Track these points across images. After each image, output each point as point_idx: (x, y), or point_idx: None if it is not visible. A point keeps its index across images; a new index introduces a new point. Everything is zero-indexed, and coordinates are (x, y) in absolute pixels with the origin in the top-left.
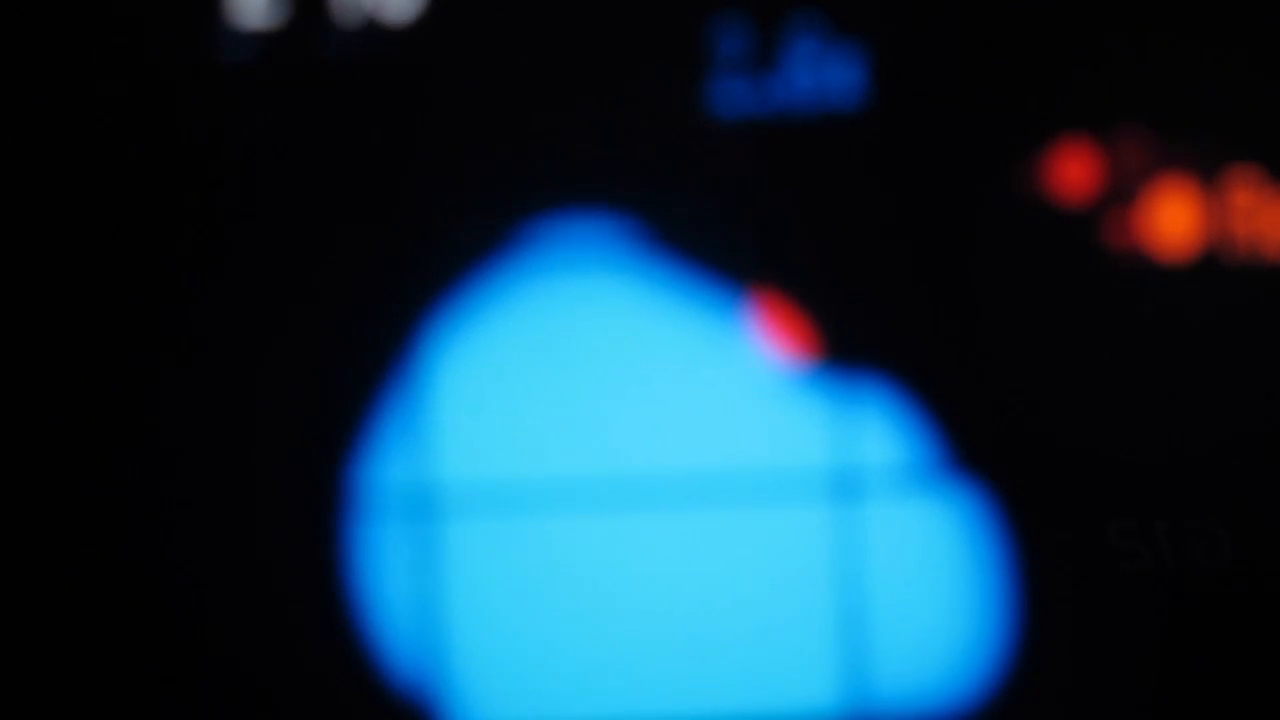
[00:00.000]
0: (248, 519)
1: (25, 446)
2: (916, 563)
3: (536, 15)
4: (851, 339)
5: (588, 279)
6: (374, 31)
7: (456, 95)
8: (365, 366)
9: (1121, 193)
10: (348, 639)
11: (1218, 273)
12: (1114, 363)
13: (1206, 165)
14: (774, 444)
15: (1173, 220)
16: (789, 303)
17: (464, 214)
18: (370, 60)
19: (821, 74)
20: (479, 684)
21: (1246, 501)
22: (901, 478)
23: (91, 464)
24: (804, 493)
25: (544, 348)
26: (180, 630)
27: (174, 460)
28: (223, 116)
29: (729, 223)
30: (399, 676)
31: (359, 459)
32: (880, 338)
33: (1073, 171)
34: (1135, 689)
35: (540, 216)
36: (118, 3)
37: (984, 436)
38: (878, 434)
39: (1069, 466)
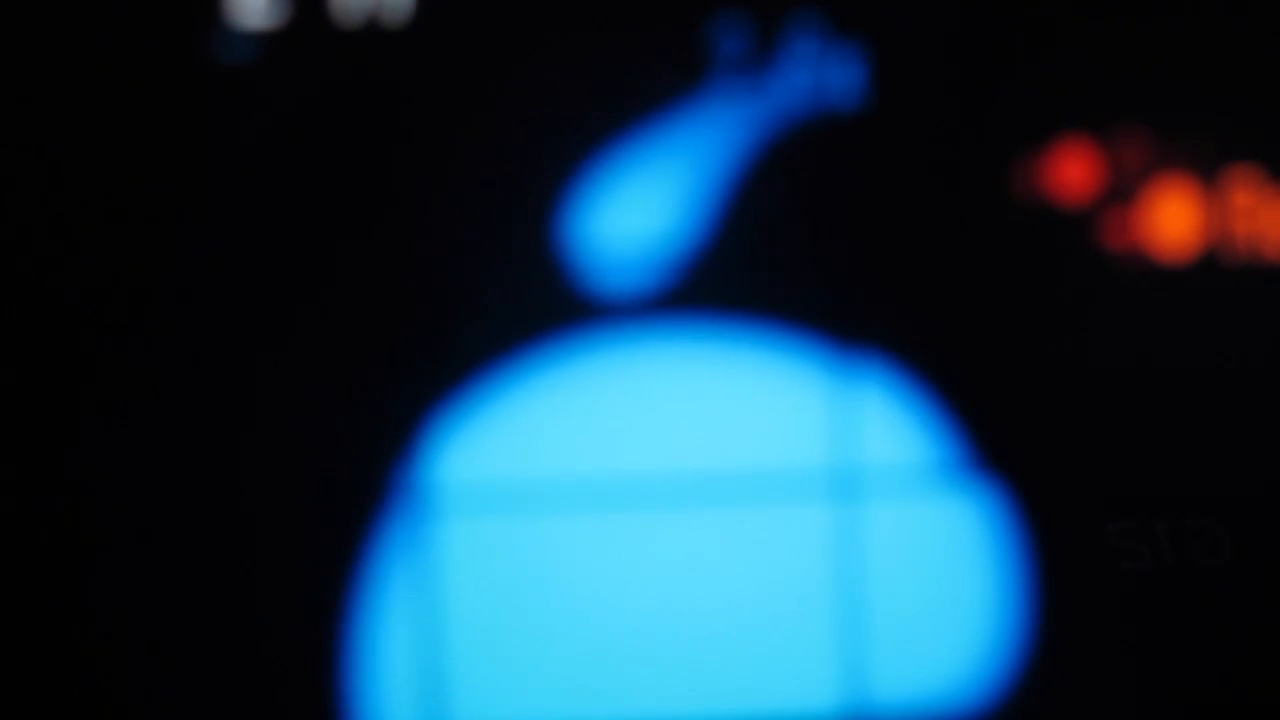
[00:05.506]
0: (246, 519)
1: (8, 450)
2: (917, 562)
3: (536, 16)
4: (850, 339)
5: (588, 280)
6: (374, 33)
7: (456, 95)
8: (366, 363)
9: (1121, 193)
10: (346, 639)
11: (1218, 273)
12: (1113, 362)
13: (1206, 165)
14: (774, 443)
15: (1173, 220)
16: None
17: (463, 212)
18: (370, 61)
19: (821, 74)
20: (478, 683)
21: (1246, 501)
22: (902, 477)
23: (80, 463)
24: (804, 493)
25: (543, 347)
26: (173, 624)
27: (170, 459)
28: (222, 116)
29: (729, 225)
30: (394, 678)
31: (359, 459)
32: (879, 338)
33: (1073, 171)
34: (1138, 690)
35: (541, 210)
36: (117, 3)
37: (981, 435)
38: (878, 433)
39: (1067, 466)
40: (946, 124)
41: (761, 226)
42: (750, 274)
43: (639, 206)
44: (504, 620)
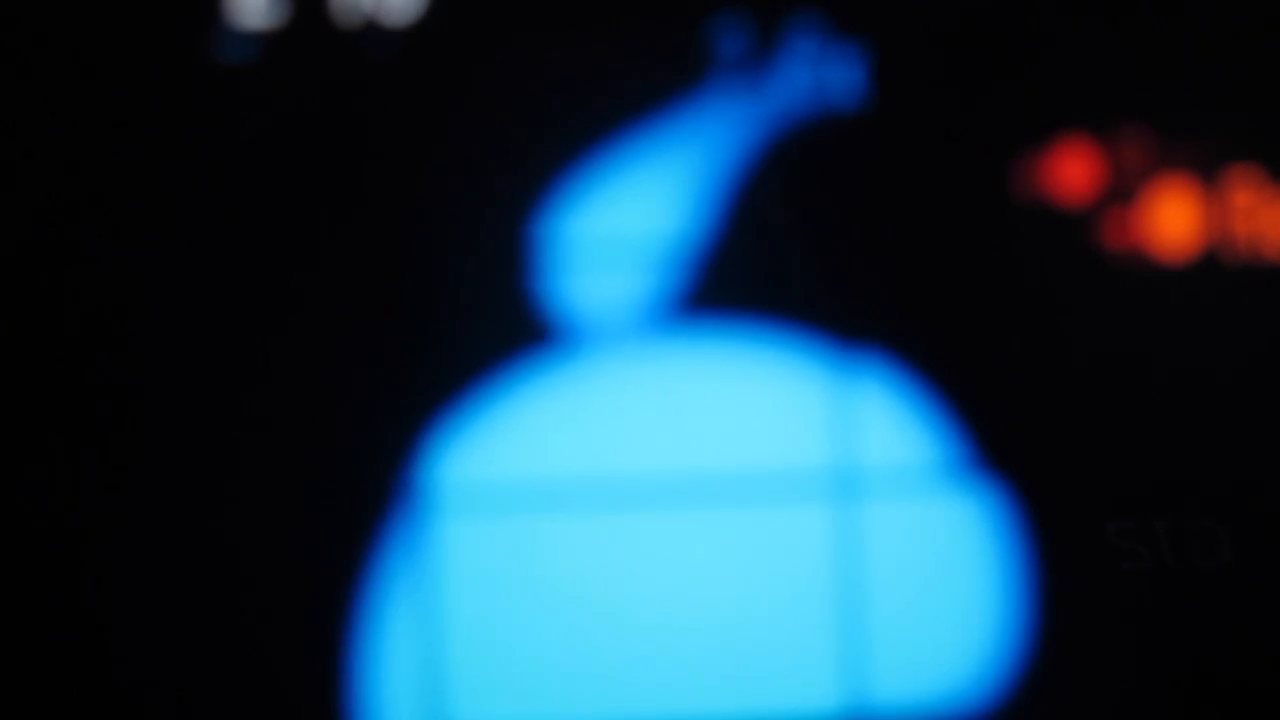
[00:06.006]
0: (249, 521)
1: None
2: (917, 562)
3: (536, 16)
4: (849, 339)
5: (586, 278)
6: (374, 32)
7: (456, 96)
8: (367, 366)
9: (1121, 193)
10: (347, 639)
11: (1218, 273)
12: (1113, 362)
13: (1206, 165)
14: (776, 443)
15: (1173, 220)
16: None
17: (464, 210)
18: (370, 61)
19: (821, 74)
20: (478, 683)
21: (1246, 501)
22: (903, 477)
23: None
24: (806, 493)
25: (542, 348)
26: (177, 624)
27: (175, 462)
28: (223, 116)
29: (730, 225)
30: (396, 676)
31: (360, 460)
32: (879, 338)
33: (1073, 171)
34: (1139, 690)
35: (542, 211)
36: (118, 3)
37: (981, 435)
38: (879, 433)
39: (1067, 466)
40: (946, 124)
41: (762, 226)
42: (751, 274)
43: (640, 207)
44: (504, 620)
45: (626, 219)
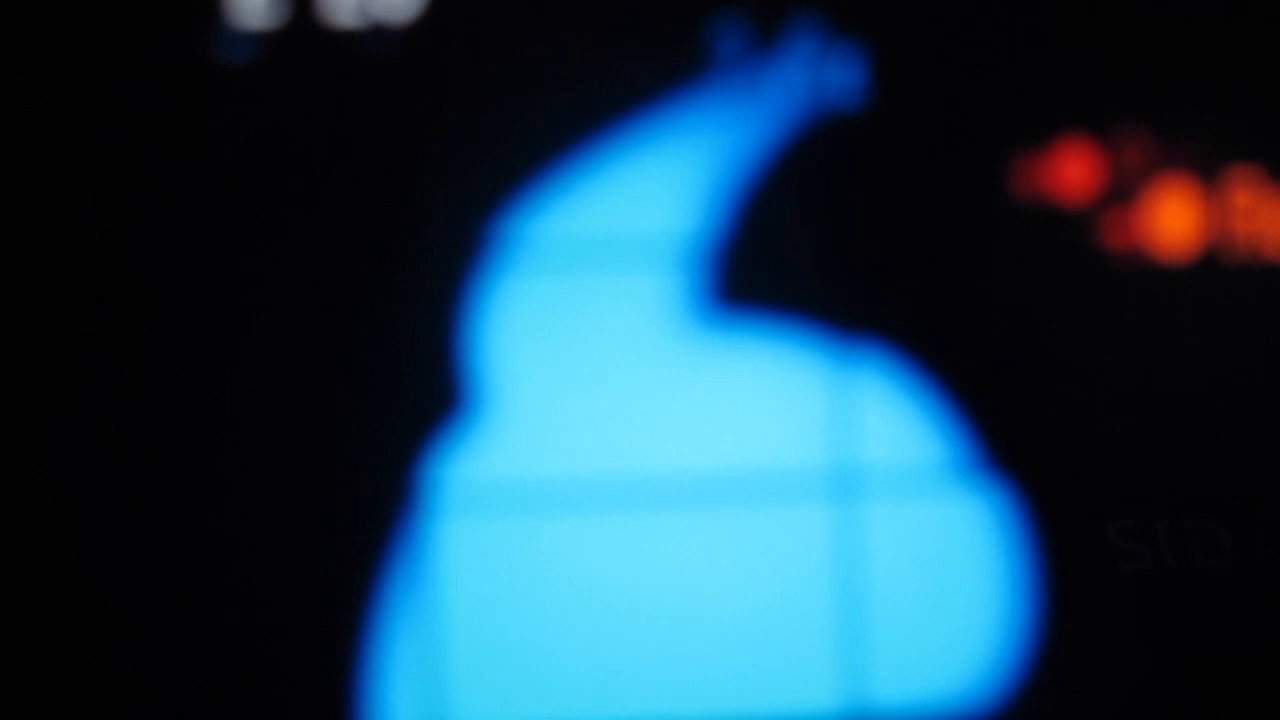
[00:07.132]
0: (251, 522)
1: None
2: (919, 562)
3: (537, 15)
4: (849, 338)
5: (586, 278)
6: (374, 31)
7: (456, 95)
8: (369, 365)
9: (1121, 193)
10: (348, 639)
11: (1218, 273)
12: (1112, 363)
13: (1206, 165)
14: (777, 443)
15: (1173, 220)
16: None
17: (464, 212)
18: (371, 61)
19: (821, 74)
20: (478, 683)
21: (1246, 501)
22: (904, 476)
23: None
24: (805, 492)
25: (542, 347)
26: (181, 625)
27: (179, 464)
28: (223, 116)
29: (732, 224)
30: (397, 676)
31: (362, 461)
32: (880, 337)
33: (1073, 171)
34: (1142, 691)
35: (543, 209)
36: (118, 3)
37: (981, 435)
38: (880, 432)
39: (1068, 466)
40: (947, 124)
41: (764, 226)
42: (752, 273)
43: (640, 207)
44: (504, 620)
45: (627, 218)
